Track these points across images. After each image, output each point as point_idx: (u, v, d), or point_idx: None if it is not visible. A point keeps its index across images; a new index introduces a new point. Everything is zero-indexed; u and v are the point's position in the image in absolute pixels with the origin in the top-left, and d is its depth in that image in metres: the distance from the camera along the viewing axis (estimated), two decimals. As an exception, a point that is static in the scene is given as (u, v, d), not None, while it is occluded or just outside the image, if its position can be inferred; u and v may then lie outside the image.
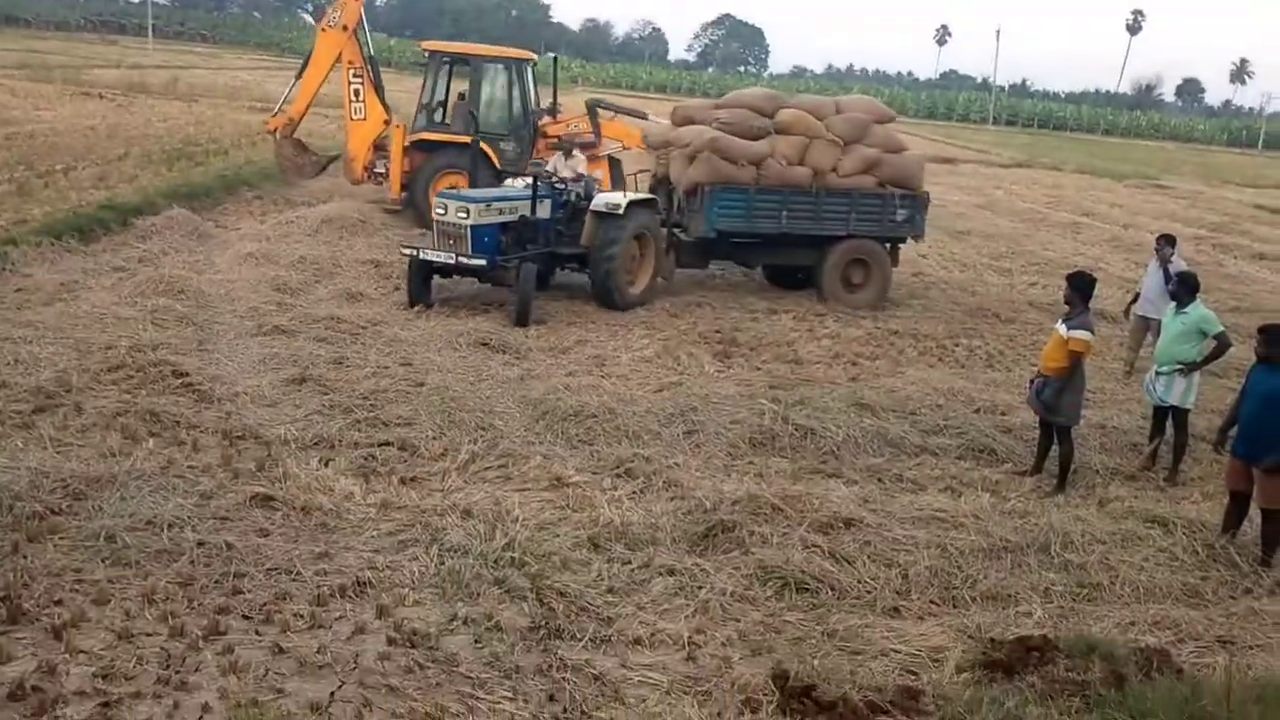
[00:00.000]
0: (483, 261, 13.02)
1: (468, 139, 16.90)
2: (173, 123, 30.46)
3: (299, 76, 20.27)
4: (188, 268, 14.22)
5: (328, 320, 12.22)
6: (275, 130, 20.72)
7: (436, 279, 13.72)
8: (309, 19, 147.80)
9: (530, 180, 14.13)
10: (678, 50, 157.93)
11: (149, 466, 7.86)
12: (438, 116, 19.51)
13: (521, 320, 12.88)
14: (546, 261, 14.04)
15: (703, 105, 16.96)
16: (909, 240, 16.20)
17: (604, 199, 14.19)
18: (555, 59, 20.67)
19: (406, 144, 18.90)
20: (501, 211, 13.55)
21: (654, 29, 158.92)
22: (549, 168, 15.10)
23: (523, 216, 13.70)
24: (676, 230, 15.37)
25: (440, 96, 19.72)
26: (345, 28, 19.57)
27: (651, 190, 15.52)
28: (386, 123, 19.57)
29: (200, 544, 6.78)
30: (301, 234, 17.16)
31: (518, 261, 13.25)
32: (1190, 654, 6.51)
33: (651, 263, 14.71)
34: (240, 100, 39.90)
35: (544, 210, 13.94)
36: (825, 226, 15.34)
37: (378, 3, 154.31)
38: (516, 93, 19.41)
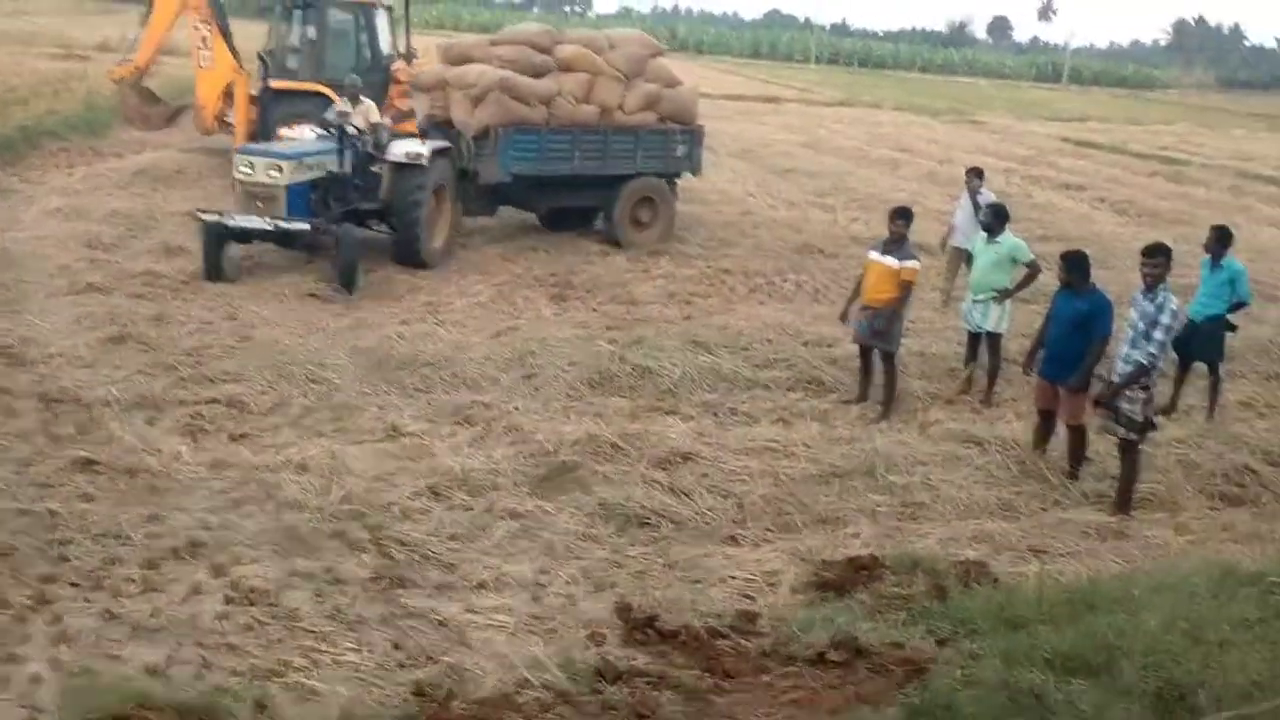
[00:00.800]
0: (305, 226, 11.97)
1: (316, 87, 16.24)
2: (-39, 70, 28.44)
3: (143, 24, 19.18)
4: (-12, 225, 13.42)
5: (145, 276, 11.74)
6: (121, 79, 19.59)
7: (237, 247, 12.31)
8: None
9: (321, 131, 13.14)
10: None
11: (-42, 435, 7.47)
12: (289, 64, 18.65)
13: (348, 284, 11.88)
14: (351, 220, 12.82)
15: (478, 42, 15.90)
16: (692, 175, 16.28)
17: (403, 148, 13.14)
18: (407, 2, 19.91)
19: (253, 93, 18.10)
20: (311, 168, 12.46)
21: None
22: (332, 115, 13.54)
23: (330, 172, 12.61)
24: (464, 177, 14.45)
25: (291, 42, 18.85)
26: None
27: (422, 134, 14.37)
28: (237, 70, 18.67)
29: (21, 512, 6.51)
30: (113, 186, 16.37)
31: (337, 223, 12.24)
32: (1006, 564, 6.91)
33: (449, 215, 13.94)
34: (39, 46, 37.47)
35: (347, 164, 12.78)
36: (614, 166, 15.13)
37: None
38: (365, 38, 18.72)
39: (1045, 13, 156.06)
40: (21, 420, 7.98)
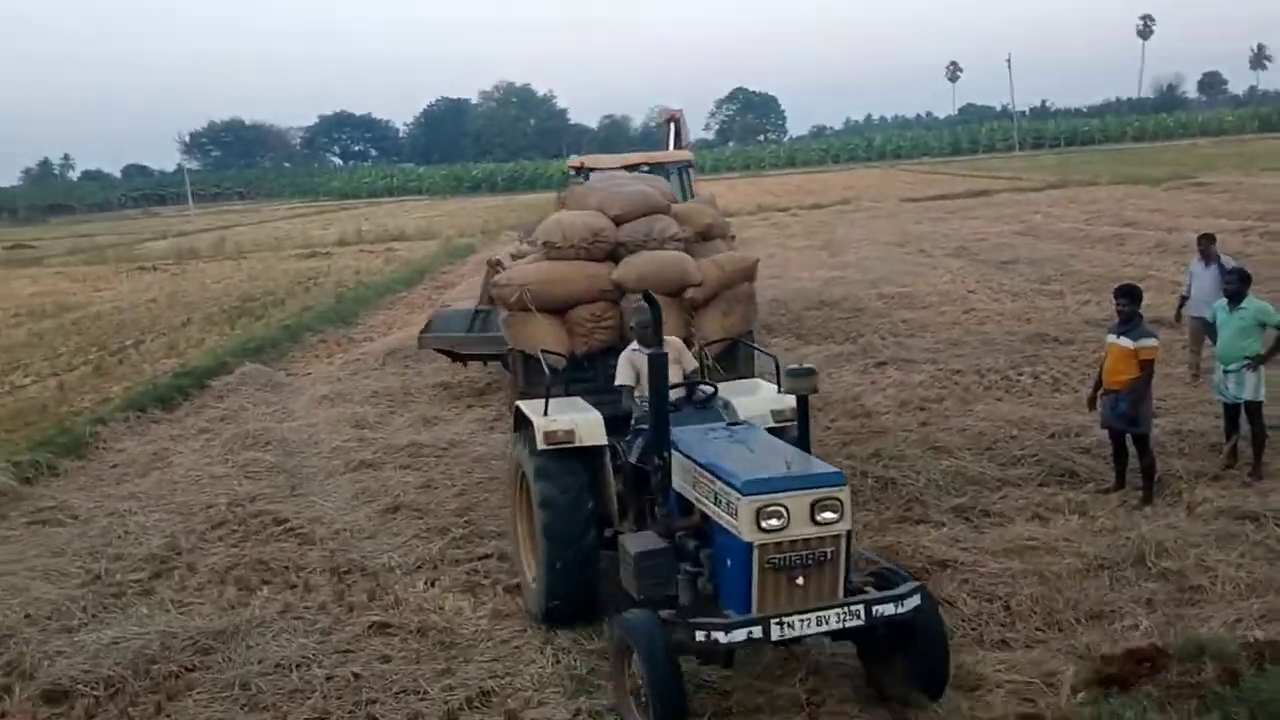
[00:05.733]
0: None
1: None
2: (227, 282, 31.65)
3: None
4: (268, 418, 14.78)
5: (410, 448, 12.63)
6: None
7: None
8: (338, 161, 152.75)
9: None
10: (696, 130, 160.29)
11: (267, 613, 8.22)
12: None
13: None
14: None
15: None
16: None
17: None
18: None
19: None
20: None
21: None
22: None
23: None
24: None
25: None
26: None
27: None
28: None
29: (329, 678, 7.10)
30: (369, 369, 17.72)
31: None
32: (1302, 642, 6.55)
33: None
34: (286, 250, 41.24)
35: None
36: None
37: (400, 134, 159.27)
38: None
39: (1259, 60, 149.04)
40: (318, 594, 8.70)
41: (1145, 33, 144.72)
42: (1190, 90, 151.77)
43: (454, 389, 15.77)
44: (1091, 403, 9.90)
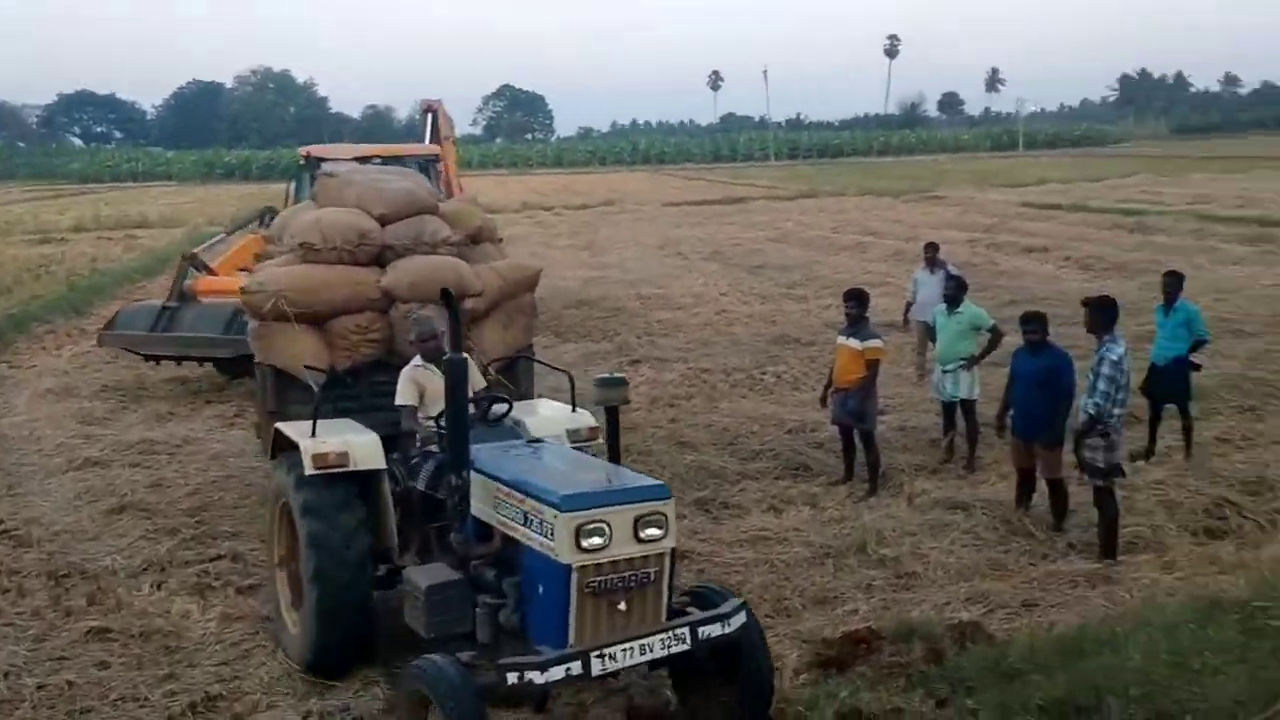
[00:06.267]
0: None
1: None
2: (-56, 266, 29.10)
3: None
4: (-17, 414, 13.72)
5: (140, 445, 11.98)
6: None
7: None
8: (78, 142, 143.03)
9: None
10: (463, 125, 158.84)
11: (-27, 621, 7.64)
12: None
13: None
14: None
15: None
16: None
17: None
18: None
19: None
20: None
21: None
22: None
23: None
24: None
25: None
26: None
27: None
28: None
29: (40, 687, 6.66)
30: (101, 362, 16.70)
31: None
32: (1000, 621, 7.10)
33: None
34: (15, 235, 38.31)
35: None
36: None
37: (148, 116, 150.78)
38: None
39: (993, 84, 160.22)
40: (32, 599, 8.11)
41: (892, 52, 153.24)
42: (931, 109, 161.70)
43: (191, 384, 15.06)
44: (824, 400, 10.42)
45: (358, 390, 7.81)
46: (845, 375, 9.97)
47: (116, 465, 11.38)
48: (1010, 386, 8.93)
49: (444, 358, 6.11)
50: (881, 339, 10.18)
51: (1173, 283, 10.63)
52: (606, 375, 6.17)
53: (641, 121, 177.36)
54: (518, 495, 5.64)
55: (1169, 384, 10.40)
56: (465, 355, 6.05)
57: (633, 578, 5.31)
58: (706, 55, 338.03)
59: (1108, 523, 8.17)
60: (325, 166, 13.97)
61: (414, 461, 6.80)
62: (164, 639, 7.36)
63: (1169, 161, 65.02)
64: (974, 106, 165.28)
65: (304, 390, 7.50)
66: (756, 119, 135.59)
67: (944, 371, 10.64)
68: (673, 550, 5.47)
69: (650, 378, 14.54)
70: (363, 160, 15.03)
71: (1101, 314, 8.20)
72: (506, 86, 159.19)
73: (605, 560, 5.23)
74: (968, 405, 10.57)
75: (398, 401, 7.06)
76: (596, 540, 5.20)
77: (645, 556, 5.32)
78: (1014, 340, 9.60)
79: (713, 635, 5.36)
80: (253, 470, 11.07)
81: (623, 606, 5.30)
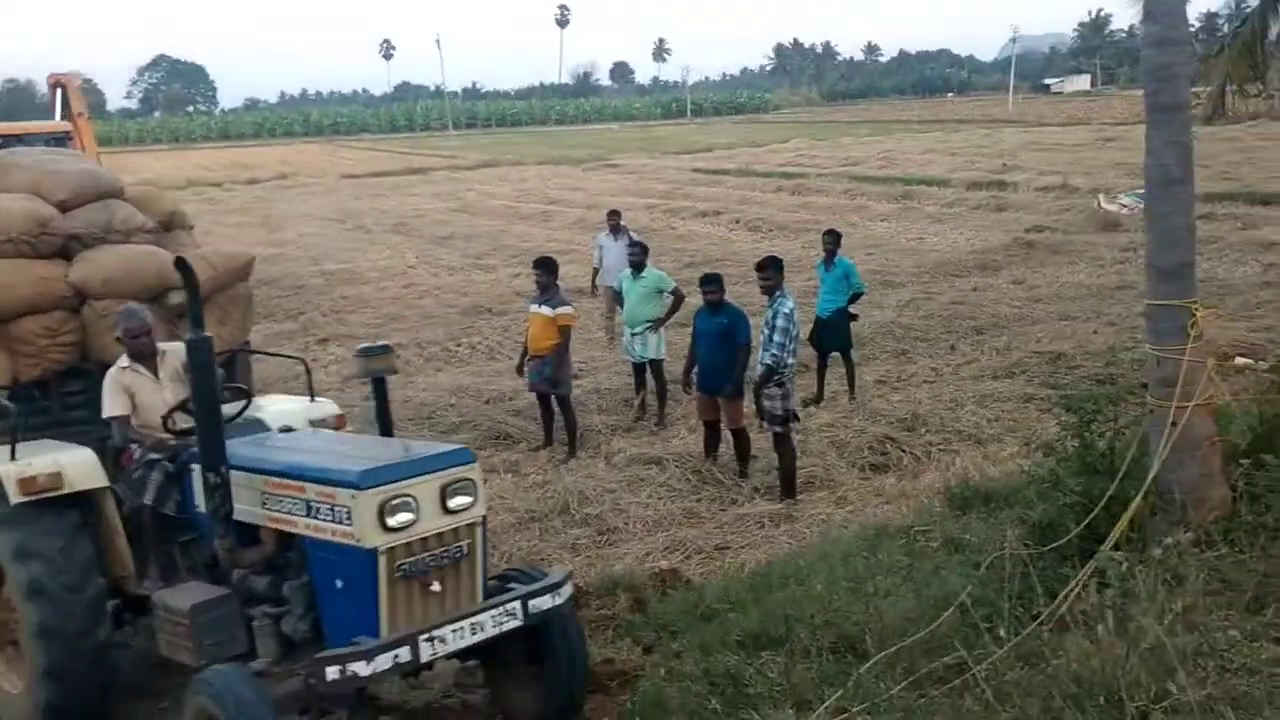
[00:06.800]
0: None
1: None
2: None
3: None
4: None
5: None
6: None
7: None
8: None
9: None
10: (116, 99, 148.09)
11: None
12: None
13: None
14: None
15: None
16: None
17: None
18: None
19: None
20: None
21: (85, 81, 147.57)
22: None
23: None
24: None
25: None
26: None
27: None
28: None
29: None
30: None
31: None
32: (697, 566, 7.56)
33: None
34: None
35: None
36: None
37: None
38: None
39: (660, 53, 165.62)
40: None
41: (563, 21, 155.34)
42: (603, 78, 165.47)
43: None
44: (520, 369, 10.60)
45: (49, 404, 6.67)
46: (539, 343, 10.18)
47: None
48: (693, 345, 9.42)
49: (187, 339, 5.25)
50: (572, 305, 10.47)
51: (832, 241, 11.52)
52: (368, 345, 5.77)
53: (312, 92, 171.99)
54: (295, 484, 5.08)
55: (833, 334, 11.28)
56: (209, 335, 5.25)
57: (444, 554, 4.92)
58: (378, 22, 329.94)
59: (787, 466, 8.82)
60: None
61: (136, 475, 5.86)
62: None
63: (821, 126, 69.70)
64: (643, 75, 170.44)
65: None
66: (432, 88, 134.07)
67: (632, 334, 11.07)
68: (484, 519, 5.17)
69: (339, 356, 14.25)
70: None
71: (776, 274, 8.85)
72: (163, 56, 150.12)
73: (415, 538, 4.83)
74: (656, 365, 11.05)
75: (105, 414, 6.14)
76: (405, 516, 4.78)
77: (456, 529, 4.96)
78: (695, 301, 10.10)
79: (544, 609, 5.08)
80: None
81: (436, 587, 4.90)
